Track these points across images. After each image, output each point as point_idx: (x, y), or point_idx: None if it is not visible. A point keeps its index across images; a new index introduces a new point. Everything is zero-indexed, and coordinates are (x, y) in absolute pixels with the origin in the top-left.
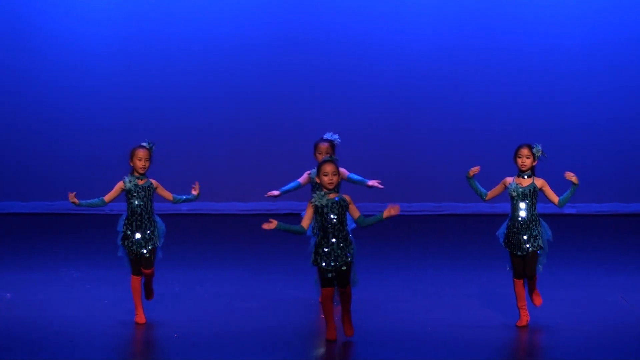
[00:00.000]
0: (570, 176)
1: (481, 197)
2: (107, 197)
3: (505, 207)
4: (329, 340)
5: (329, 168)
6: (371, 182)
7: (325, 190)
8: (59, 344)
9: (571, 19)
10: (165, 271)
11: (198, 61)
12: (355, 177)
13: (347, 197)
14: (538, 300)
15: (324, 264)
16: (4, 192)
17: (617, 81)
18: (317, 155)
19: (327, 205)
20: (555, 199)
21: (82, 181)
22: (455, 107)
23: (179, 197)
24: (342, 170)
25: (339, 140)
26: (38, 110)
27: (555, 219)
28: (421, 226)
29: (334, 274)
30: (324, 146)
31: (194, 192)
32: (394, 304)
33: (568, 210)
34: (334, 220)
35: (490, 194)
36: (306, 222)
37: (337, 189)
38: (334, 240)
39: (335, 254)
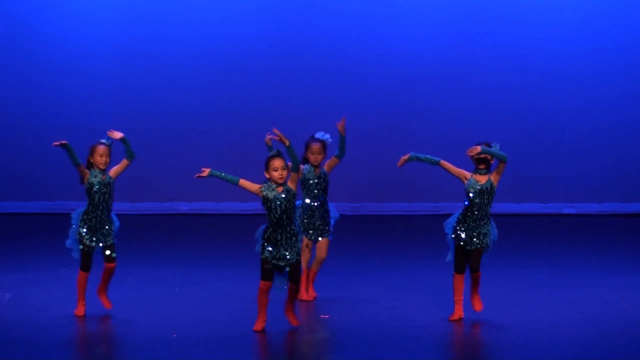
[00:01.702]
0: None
1: (432, 164)
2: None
3: (503, 207)
4: (255, 331)
5: (278, 163)
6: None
7: (274, 184)
8: (59, 344)
9: (572, 22)
10: (165, 271)
11: (197, 63)
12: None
13: (290, 185)
14: (479, 306)
15: (268, 254)
16: (4, 192)
17: (617, 82)
18: (309, 155)
19: (275, 199)
20: (500, 164)
21: None
22: (456, 107)
23: (129, 151)
24: (331, 161)
25: (330, 140)
26: (38, 110)
27: (556, 219)
28: (421, 226)
29: (277, 264)
30: (316, 146)
31: (115, 137)
32: (394, 303)
33: (568, 210)
34: (283, 215)
35: (447, 165)
36: (248, 184)
37: (285, 182)
38: (281, 232)
39: (283, 247)
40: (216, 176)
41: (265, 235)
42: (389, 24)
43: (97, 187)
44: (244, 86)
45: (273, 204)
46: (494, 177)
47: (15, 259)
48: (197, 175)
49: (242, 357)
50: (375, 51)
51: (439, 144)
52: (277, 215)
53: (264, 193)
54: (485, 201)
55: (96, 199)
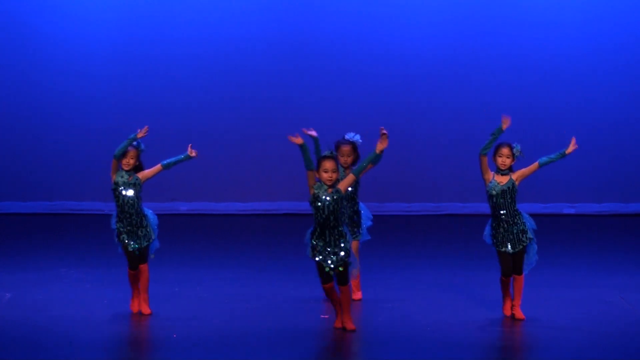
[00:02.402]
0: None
1: (483, 150)
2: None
3: None
4: (335, 328)
5: (329, 165)
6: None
7: (325, 185)
8: (59, 344)
9: (572, 22)
10: (165, 271)
11: (197, 63)
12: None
13: (339, 187)
14: (521, 315)
15: (320, 258)
16: (4, 192)
17: (617, 82)
18: (339, 157)
19: (324, 199)
20: (534, 164)
21: (81, 182)
22: (455, 107)
23: (168, 161)
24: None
25: (361, 141)
26: (38, 111)
27: (556, 219)
28: (421, 226)
29: (331, 267)
30: (346, 148)
31: (191, 154)
32: (394, 304)
33: (568, 210)
34: (330, 216)
35: (484, 161)
36: (311, 177)
37: (334, 184)
38: (328, 234)
39: (331, 250)
40: (303, 150)
41: (314, 237)
42: (389, 24)
43: (121, 187)
44: (244, 86)
45: (321, 204)
46: (516, 176)
47: (15, 259)
48: (290, 137)
49: (242, 357)
50: (375, 51)
51: (439, 143)
52: (324, 216)
53: (315, 191)
54: (509, 200)
55: (120, 199)
